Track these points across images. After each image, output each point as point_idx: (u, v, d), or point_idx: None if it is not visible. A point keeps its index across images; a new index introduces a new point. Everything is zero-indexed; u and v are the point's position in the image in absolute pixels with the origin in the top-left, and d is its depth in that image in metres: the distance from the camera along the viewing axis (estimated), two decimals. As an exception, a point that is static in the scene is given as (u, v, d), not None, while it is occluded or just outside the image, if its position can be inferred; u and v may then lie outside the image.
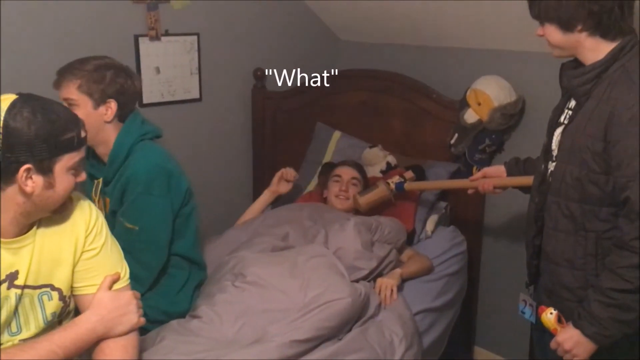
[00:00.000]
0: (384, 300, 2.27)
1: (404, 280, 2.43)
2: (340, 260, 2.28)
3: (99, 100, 2.04)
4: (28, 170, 1.42)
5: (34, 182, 1.44)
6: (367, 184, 2.83)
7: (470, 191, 2.35)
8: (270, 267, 2.21)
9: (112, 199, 2.10)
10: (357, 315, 2.11)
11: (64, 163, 1.47)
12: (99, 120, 2.06)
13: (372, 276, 2.35)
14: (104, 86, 2.04)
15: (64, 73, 2.03)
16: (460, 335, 2.85)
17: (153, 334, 2.00)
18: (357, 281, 2.25)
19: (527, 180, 2.06)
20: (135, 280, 1.79)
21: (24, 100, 1.43)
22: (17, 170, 1.41)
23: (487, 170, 2.28)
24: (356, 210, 2.75)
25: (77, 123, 1.50)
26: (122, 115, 2.11)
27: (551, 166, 1.84)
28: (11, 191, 1.44)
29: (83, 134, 1.51)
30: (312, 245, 2.39)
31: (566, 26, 1.70)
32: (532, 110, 2.70)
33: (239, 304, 2.08)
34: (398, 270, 2.42)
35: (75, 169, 1.51)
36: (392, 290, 2.31)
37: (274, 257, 2.32)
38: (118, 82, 2.06)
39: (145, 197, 2.03)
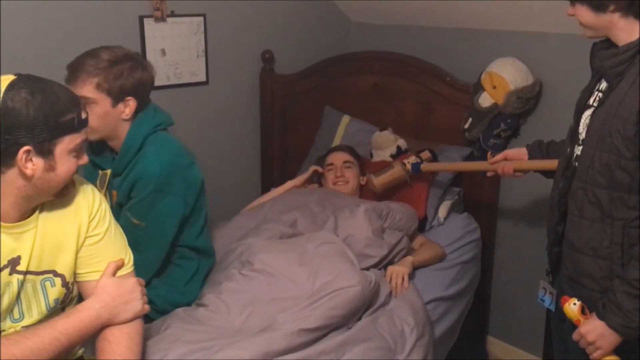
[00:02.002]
0: (395, 289, 2.26)
1: (415, 268, 2.42)
2: (350, 248, 2.27)
3: (118, 98, 2.01)
4: (28, 152, 1.41)
5: (34, 165, 1.43)
6: (362, 164, 2.84)
7: (489, 174, 2.32)
8: (278, 255, 2.20)
9: (120, 192, 2.08)
10: (367, 304, 2.10)
11: (65, 145, 1.46)
12: (117, 118, 2.03)
13: (383, 264, 2.34)
14: (122, 82, 1.99)
15: (78, 71, 1.96)
16: (473, 324, 2.85)
17: (158, 322, 2.01)
18: (367, 269, 2.24)
19: (551, 163, 2.02)
20: (136, 270, 1.78)
21: (23, 81, 1.41)
22: (16, 153, 1.40)
23: (508, 152, 2.24)
24: (361, 192, 2.74)
25: (77, 104, 1.49)
26: (139, 109, 2.07)
27: (577, 150, 1.80)
28: (11, 174, 1.44)
29: (84, 115, 1.50)
30: (321, 232, 2.38)
31: (598, 6, 1.66)
32: (550, 93, 2.67)
33: (246, 293, 2.08)
34: (409, 258, 2.41)
35: (76, 152, 1.50)
36: (403, 279, 2.30)
37: (282, 244, 2.31)
38: (135, 77, 2.02)
39: (156, 195, 2.02)
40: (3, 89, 1.39)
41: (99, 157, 2.17)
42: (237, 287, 2.10)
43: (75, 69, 1.97)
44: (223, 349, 1.80)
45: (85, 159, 1.55)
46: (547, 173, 2.11)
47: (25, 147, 1.40)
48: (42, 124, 1.40)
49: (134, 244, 1.87)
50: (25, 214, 1.52)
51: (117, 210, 2.06)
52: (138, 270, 1.85)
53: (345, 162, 2.80)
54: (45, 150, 1.43)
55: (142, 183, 2.01)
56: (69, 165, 1.49)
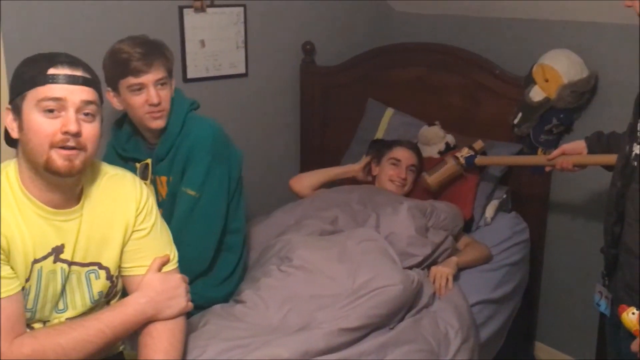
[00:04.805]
0: (439, 290, 2.28)
1: (460, 269, 2.43)
2: (392, 246, 2.29)
3: (171, 78, 2.16)
4: (10, 111, 1.52)
5: (16, 126, 1.52)
6: (422, 169, 2.81)
7: (547, 169, 2.32)
8: (317, 251, 2.24)
9: (174, 173, 2.16)
10: (409, 304, 2.12)
11: (29, 100, 1.48)
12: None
13: (426, 264, 2.36)
14: (172, 64, 2.15)
15: (150, 55, 2.06)
16: (520, 329, 2.84)
17: (196, 318, 2.06)
18: (410, 268, 2.26)
19: (612, 158, 1.99)
20: (188, 264, 1.86)
21: None
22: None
23: (565, 147, 2.23)
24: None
25: (49, 59, 1.51)
26: None
27: (637, 149, 1.78)
28: (18, 147, 1.55)
29: (53, 71, 1.48)
30: (362, 229, 2.41)
31: None
32: (606, 87, 2.64)
33: (284, 289, 2.11)
34: (454, 259, 2.42)
35: (47, 110, 1.47)
36: (447, 280, 2.31)
37: (321, 240, 2.34)
38: (173, 60, 2.16)
39: (210, 163, 2.12)
40: None
41: (131, 151, 2.25)
42: (275, 284, 2.14)
43: (148, 54, 2.06)
44: (261, 346, 1.84)
45: (69, 127, 1.46)
46: (609, 167, 2.08)
47: (7, 106, 1.52)
48: (14, 81, 1.52)
49: (191, 218, 2.02)
50: (67, 200, 1.58)
51: (171, 199, 2.16)
52: (195, 252, 2.00)
53: (411, 165, 2.77)
54: (16, 108, 1.51)
55: (196, 152, 2.11)
56: (36, 124, 1.47)
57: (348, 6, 3.38)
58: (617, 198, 1.84)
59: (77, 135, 1.48)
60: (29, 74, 1.49)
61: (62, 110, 1.48)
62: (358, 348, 1.93)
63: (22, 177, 1.54)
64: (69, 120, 1.47)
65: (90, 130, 1.52)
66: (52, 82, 1.47)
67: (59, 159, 1.47)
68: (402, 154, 2.77)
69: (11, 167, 1.55)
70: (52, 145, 1.47)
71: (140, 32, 2.19)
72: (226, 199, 2.19)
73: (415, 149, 2.83)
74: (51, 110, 1.47)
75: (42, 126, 1.47)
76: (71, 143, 1.48)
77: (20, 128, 1.50)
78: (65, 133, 1.47)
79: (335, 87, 3.34)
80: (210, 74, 3.00)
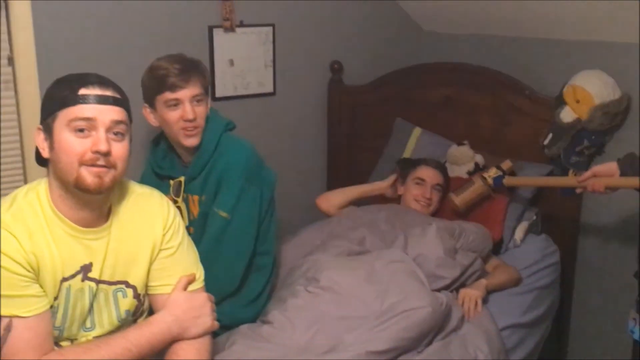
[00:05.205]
0: (468, 313, 2.25)
1: (489, 292, 2.40)
2: (421, 267, 2.27)
3: (207, 96, 2.19)
4: (41, 131, 1.54)
5: (46, 145, 1.55)
6: (449, 189, 2.79)
7: (578, 190, 2.29)
8: (345, 272, 2.22)
9: (207, 193, 2.17)
10: (437, 327, 2.10)
11: (60, 120, 1.50)
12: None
13: (455, 286, 2.33)
14: (208, 82, 2.19)
15: (187, 71, 2.09)
16: (550, 354, 2.79)
17: (223, 338, 2.06)
18: (438, 290, 2.24)
19: None
20: (217, 286, 1.88)
21: None
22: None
23: (597, 169, 2.20)
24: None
25: (79, 80, 1.53)
26: None
27: None
28: (49, 166, 1.58)
29: (84, 92, 1.50)
30: (390, 250, 2.39)
31: None
32: (638, 109, 2.60)
33: (312, 310, 2.10)
34: (483, 281, 2.39)
35: (78, 130, 1.49)
36: (476, 303, 2.28)
37: (349, 261, 2.33)
38: (209, 78, 2.21)
39: (243, 185, 2.13)
40: None
41: (167, 169, 2.27)
42: (303, 304, 2.13)
43: (186, 70, 2.10)
44: (288, 368, 1.84)
45: (99, 146, 1.48)
46: None
47: (38, 126, 1.55)
48: (44, 101, 1.55)
49: (222, 240, 2.03)
50: (96, 218, 1.60)
51: (202, 220, 2.18)
52: (225, 274, 2.02)
53: (437, 184, 2.74)
54: (48, 128, 1.53)
55: (230, 173, 2.13)
56: (67, 144, 1.49)
57: (376, 26, 3.39)
58: None
59: (107, 154, 1.50)
60: (60, 95, 1.51)
61: (92, 129, 1.50)
62: (386, 372, 1.92)
63: (53, 196, 1.56)
64: (99, 140, 1.49)
65: (119, 149, 1.54)
66: (83, 103, 1.49)
67: (89, 176, 1.49)
68: (427, 174, 2.75)
69: (42, 186, 1.57)
70: (82, 163, 1.49)
71: (171, 51, 2.23)
72: (257, 222, 2.20)
73: (441, 168, 2.81)
74: (82, 130, 1.49)
75: (73, 145, 1.49)
76: (101, 162, 1.50)
77: (52, 147, 1.52)
78: (96, 152, 1.49)
79: (363, 106, 3.34)
80: (238, 92, 3.03)
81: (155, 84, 2.10)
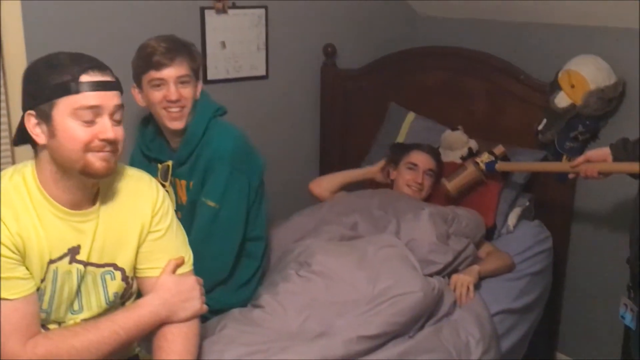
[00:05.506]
0: (460, 299, 2.25)
1: (481, 278, 2.40)
2: (413, 253, 2.27)
3: (196, 79, 2.14)
4: (33, 117, 1.50)
5: (42, 132, 1.50)
6: (441, 174, 2.78)
7: (570, 176, 2.29)
8: (337, 257, 2.22)
9: (195, 179, 2.15)
10: (429, 311, 2.10)
11: (62, 108, 1.47)
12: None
13: (447, 271, 2.33)
14: (198, 65, 2.14)
15: (174, 50, 2.06)
16: (541, 340, 2.80)
17: (214, 322, 2.05)
18: (430, 276, 2.23)
19: (638, 166, 1.97)
20: (208, 275, 1.85)
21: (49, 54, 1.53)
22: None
23: (590, 154, 2.20)
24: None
25: (80, 66, 1.49)
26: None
27: None
28: (40, 149, 1.54)
29: (87, 78, 1.48)
30: (382, 235, 2.39)
31: None
32: (634, 94, 2.59)
33: (303, 295, 2.10)
34: (476, 267, 2.39)
35: (84, 120, 1.48)
36: (468, 288, 2.28)
37: (341, 246, 2.33)
38: (200, 62, 2.15)
39: (231, 174, 2.10)
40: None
41: (155, 151, 2.25)
42: (294, 289, 2.13)
43: (170, 51, 2.05)
44: (279, 352, 1.84)
45: (106, 134, 1.49)
46: (635, 175, 2.05)
47: (29, 111, 1.50)
48: (39, 86, 1.48)
49: (211, 230, 2.00)
50: (85, 201, 1.58)
51: (190, 208, 2.16)
52: (215, 263, 1.98)
53: (429, 169, 2.74)
54: (45, 115, 1.49)
55: (217, 162, 2.09)
56: (72, 132, 1.47)
57: (370, 9, 3.37)
58: None
59: (114, 142, 1.51)
60: (59, 80, 1.47)
61: (97, 116, 1.49)
62: (377, 356, 1.92)
63: (42, 179, 1.53)
64: (106, 127, 1.49)
65: (120, 132, 1.54)
66: (88, 90, 1.47)
67: (97, 161, 1.50)
68: (420, 158, 2.75)
69: (28, 169, 1.55)
70: (88, 150, 1.48)
71: (162, 32, 2.19)
72: (246, 211, 2.18)
73: (433, 153, 2.80)
74: (88, 118, 1.48)
75: (78, 133, 1.48)
76: (107, 148, 1.50)
77: (52, 134, 1.49)
78: (103, 140, 1.49)
79: (357, 91, 3.32)
80: (230, 75, 3.00)
81: (142, 62, 2.07)
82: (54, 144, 1.49)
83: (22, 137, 1.56)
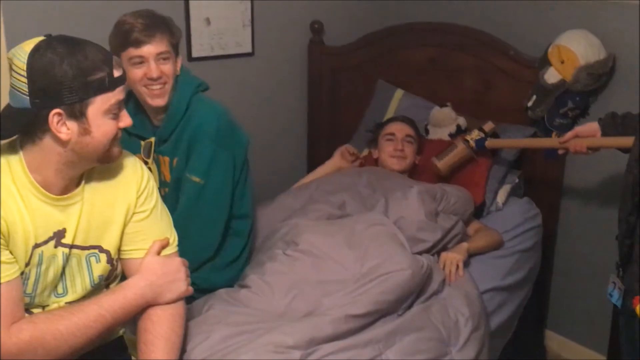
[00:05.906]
0: (449, 277, 2.25)
1: (470, 256, 2.40)
2: (402, 231, 2.26)
3: (176, 55, 2.11)
4: (59, 115, 1.44)
5: (68, 129, 1.46)
6: (421, 141, 2.82)
7: (560, 152, 2.29)
8: (324, 236, 2.21)
9: (178, 156, 2.13)
10: (417, 289, 2.10)
11: (98, 106, 1.47)
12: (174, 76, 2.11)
13: (436, 249, 2.32)
14: (178, 40, 2.10)
15: (152, 26, 2.01)
16: (531, 317, 2.81)
17: (200, 303, 2.04)
18: (419, 254, 2.23)
19: (628, 140, 1.95)
20: (194, 252, 1.85)
21: (50, 42, 1.44)
22: (47, 117, 1.43)
23: (579, 130, 2.19)
24: (415, 173, 2.75)
25: (108, 61, 1.48)
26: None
27: None
28: (48, 140, 1.47)
29: (117, 73, 1.50)
30: (371, 213, 2.38)
31: None
32: (624, 69, 2.59)
33: (290, 274, 2.09)
34: (465, 245, 2.39)
35: (113, 113, 1.51)
36: (457, 266, 2.28)
37: (329, 225, 2.32)
38: (180, 36, 2.12)
39: (215, 150, 2.08)
40: (28, 51, 1.41)
41: (137, 128, 2.21)
42: (281, 269, 2.12)
43: (150, 27, 2.01)
44: (266, 333, 1.82)
45: (126, 121, 1.56)
46: (625, 149, 2.04)
47: (55, 110, 1.43)
48: (69, 84, 1.42)
49: (197, 206, 1.98)
50: (71, 184, 1.56)
51: (174, 185, 2.15)
52: (201, 240, 1.98)
53: (407, 135, 2.77)
54: (77, 113, 1.45)
55: (200, 137, 2.08)
56: (106, 127, 1.50)
57: (358, -16, 3.33)
58: (634, 186, 1.80)
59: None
60: (92, 78, 1.44)
61: (119, 110, 1.54)
62: (366, 335, 1.91)
63: (34, 165, 1.50)
64: (127, 118, 1.56)
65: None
66: (119, 85, 1.51)
67: (116, 149, 1.57)
68: (395, 127, 2.80)
69: (14, 155, 1.51)
70: (115, 140, 1.54)
71: (144, 7, 2.14)
72: (231, 186, 2.16)
73: (407, 120, 2.84)
74: (116, 114, 1.53)
75: (111, 127, 1.52)
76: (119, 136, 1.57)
77: (85, 132, 1.47)
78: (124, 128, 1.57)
79: (344, 68, 3.29)
80: (215, 53, 2.96)
81: (120, 40, 2.02)
82: (85, 140, 1.48)
83: (9, 130, 1.49)
